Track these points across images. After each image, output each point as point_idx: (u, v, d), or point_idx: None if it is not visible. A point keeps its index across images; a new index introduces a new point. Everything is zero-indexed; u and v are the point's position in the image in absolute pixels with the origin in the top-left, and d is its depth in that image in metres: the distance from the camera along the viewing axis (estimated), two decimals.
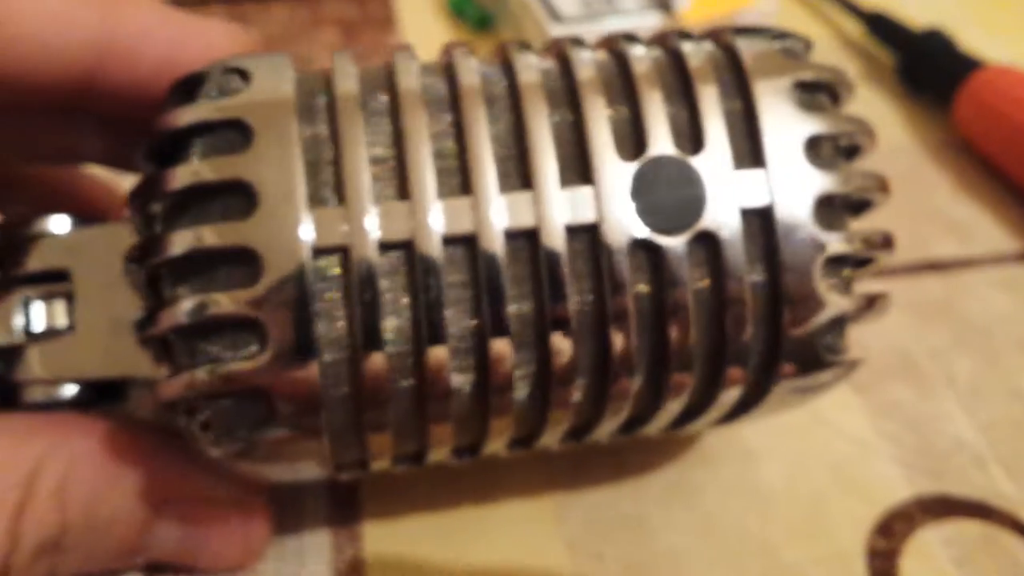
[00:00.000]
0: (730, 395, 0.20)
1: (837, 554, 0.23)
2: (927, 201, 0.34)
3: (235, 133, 0.17)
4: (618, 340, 0.18)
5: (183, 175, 0.17)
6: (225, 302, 0.16)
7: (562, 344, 0.18)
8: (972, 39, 0.37)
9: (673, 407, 0.20)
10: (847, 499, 0.24)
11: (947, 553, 0.23)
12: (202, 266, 0.17)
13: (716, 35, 0.20)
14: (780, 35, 0.20)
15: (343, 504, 0.24)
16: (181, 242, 0.17)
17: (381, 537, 0.23)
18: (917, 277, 0.31)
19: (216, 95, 0.17)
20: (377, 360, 0.17)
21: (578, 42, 0.20)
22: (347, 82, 0.18)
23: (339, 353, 0.17)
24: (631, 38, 0.20)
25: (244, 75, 0.18)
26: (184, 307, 0.17)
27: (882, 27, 0.39)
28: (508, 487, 0.24)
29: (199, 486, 0.21)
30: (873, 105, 0.38)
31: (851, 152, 0.21)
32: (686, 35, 0.20)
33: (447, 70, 0.19)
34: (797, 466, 0.25)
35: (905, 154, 0.36)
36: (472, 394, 0.18)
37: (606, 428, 0.20)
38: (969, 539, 0.24)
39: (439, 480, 0.24)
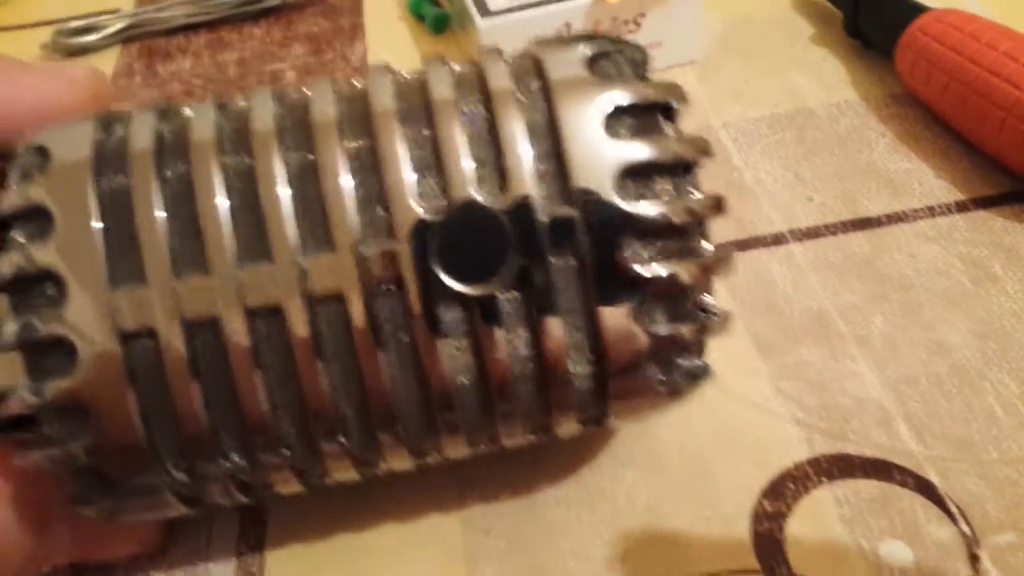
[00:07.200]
0: (566, 423, 0.21)
1: (722, 517, 0.23)
2: (864, 158, 0.33)
3: (43, 219, 0.18)
4: (436, 376, 0.19)
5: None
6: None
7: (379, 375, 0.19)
8: None
9: (512, 432, 0.21)
10: (739, 463, 0.25)
11: (838, 512, 0.23)
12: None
13: (527, 57, 0.21)
14: (608, 52, 0.20)
15: (251, 525, 0.25)
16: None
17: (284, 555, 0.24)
18: (843, 235, 0.30)
19: (19, 179, 0.19)
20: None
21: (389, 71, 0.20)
22: (141, 142, 0.19)
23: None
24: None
25: (43, 152, 0.19)
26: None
27: None
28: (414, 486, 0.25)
29: None
30: (823, 64, 0.38)
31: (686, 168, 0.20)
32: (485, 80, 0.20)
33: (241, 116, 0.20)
34: (691, 434, 0.25)
35: (849, 111, 0.35)
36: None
37: (449, 452, 0.21)
38: (864, 499, 0.24)
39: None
